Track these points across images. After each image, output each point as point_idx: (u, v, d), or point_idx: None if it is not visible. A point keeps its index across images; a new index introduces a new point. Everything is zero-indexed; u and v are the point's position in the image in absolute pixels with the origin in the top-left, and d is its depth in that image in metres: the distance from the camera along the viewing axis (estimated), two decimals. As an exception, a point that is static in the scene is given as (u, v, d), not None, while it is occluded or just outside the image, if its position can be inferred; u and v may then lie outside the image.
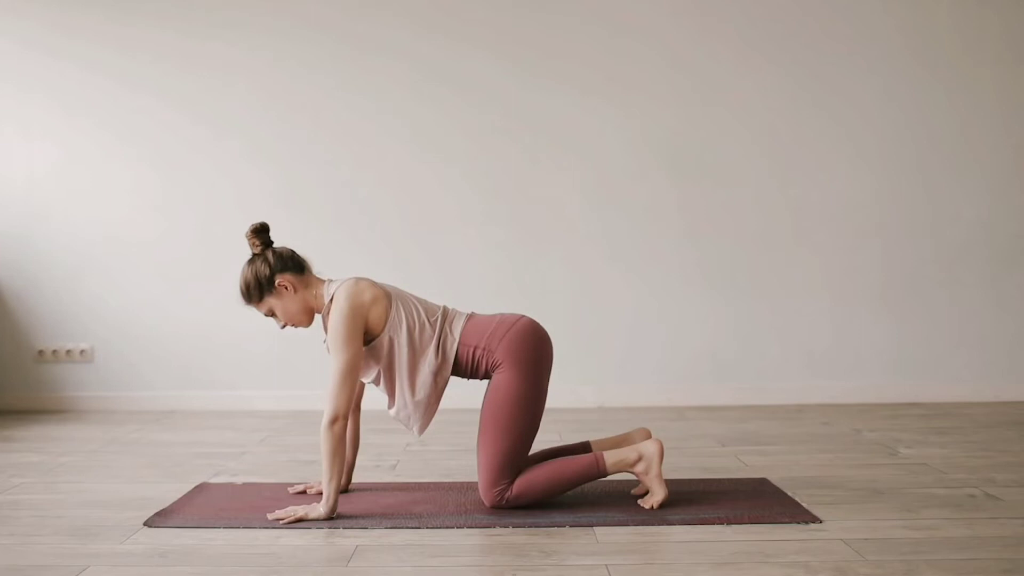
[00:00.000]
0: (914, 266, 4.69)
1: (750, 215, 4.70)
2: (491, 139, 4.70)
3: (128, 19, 4.68)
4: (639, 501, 2.73)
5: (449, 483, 3.04)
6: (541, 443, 3.73)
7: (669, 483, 2.82)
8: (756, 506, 2.69)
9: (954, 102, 4.68)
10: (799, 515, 2.60)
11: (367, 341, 2.70)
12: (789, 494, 2.83)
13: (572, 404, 4.56)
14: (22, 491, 3.01)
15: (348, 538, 2.46)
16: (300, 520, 2.59)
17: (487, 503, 2.68)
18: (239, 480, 3.14)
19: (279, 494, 2.90)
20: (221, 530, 2.54)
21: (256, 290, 2.81)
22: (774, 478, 3.05)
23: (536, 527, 2.54)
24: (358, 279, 2.74)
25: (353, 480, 2.99)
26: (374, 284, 2.73)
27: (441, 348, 2.72)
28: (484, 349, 2.71)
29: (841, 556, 2.26)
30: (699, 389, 4.63)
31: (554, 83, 4.69)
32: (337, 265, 4.69)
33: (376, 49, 4.68)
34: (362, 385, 2.88)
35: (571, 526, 2.54)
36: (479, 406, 2.78)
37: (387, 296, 2.72)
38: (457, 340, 2.73)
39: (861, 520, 2.56)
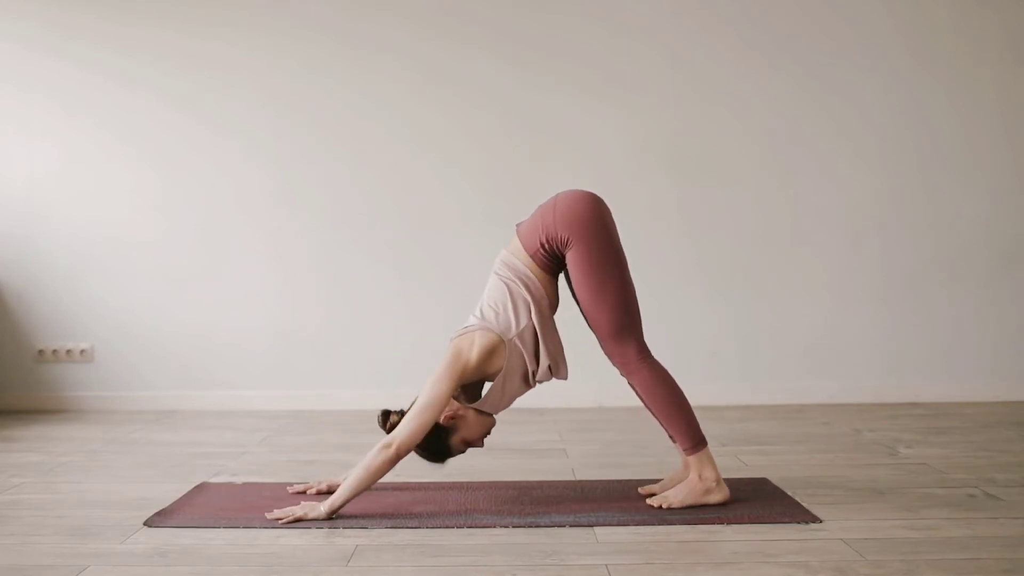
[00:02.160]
0: (914, 266, 4.69)
1: (750, 215, 4.70)
2: (491, 139, 4.70)
3: (128, 19, 4.68)
4: (648, 500, 2.74)
5: (449, 483, 3.03)
6: (544, 442, 3.75)
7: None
8: (756, 506, 2.69)
9: (954, 102, 4.68)
10: (799, 515, 2.60)
11: (497, 371, 2.68)
12: (789, 494, 2.83)
13: (572, 404, 4.56)
14: (22, 491, 3.01)
15: (348, 538, 2.46)
16: (299, 520, 2.59)
17: (623, 360, 2.70)
18: (239, 480, 3.14)
19: (279, 494, 2.90)
20: (221, 530, 2.54)
21: (443, 451, 2.75)
22: (774, 478, 3.05)
23: (536, 527, 2.54)
24: (460, 336, 2.70)
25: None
26: (471, 332, 2.68)
27: (530, 284, 2.70)
28: (548, 237, 2.69)
29: (841, 556, 2.26)
30: (699, 389, 4.62)
31: (554, 83, 4.69)
32: (337, 265, 4.71)
33: (376, 49, 4.68)
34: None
35: (571, 526, 2.54)
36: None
37: (478, 328, 2.68)
38: (526, 261, 2.71)
39: (861, 520, 2.56)
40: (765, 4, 4.69)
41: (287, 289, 4.72)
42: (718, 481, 2.70)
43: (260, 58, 4.70)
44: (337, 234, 4.71)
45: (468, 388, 2.78)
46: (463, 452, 2.79)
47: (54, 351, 4.72)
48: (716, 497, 2.69)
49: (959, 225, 4.69)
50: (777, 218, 4.70)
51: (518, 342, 2.68)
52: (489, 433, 2.79)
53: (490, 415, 2.76)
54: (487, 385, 2.81)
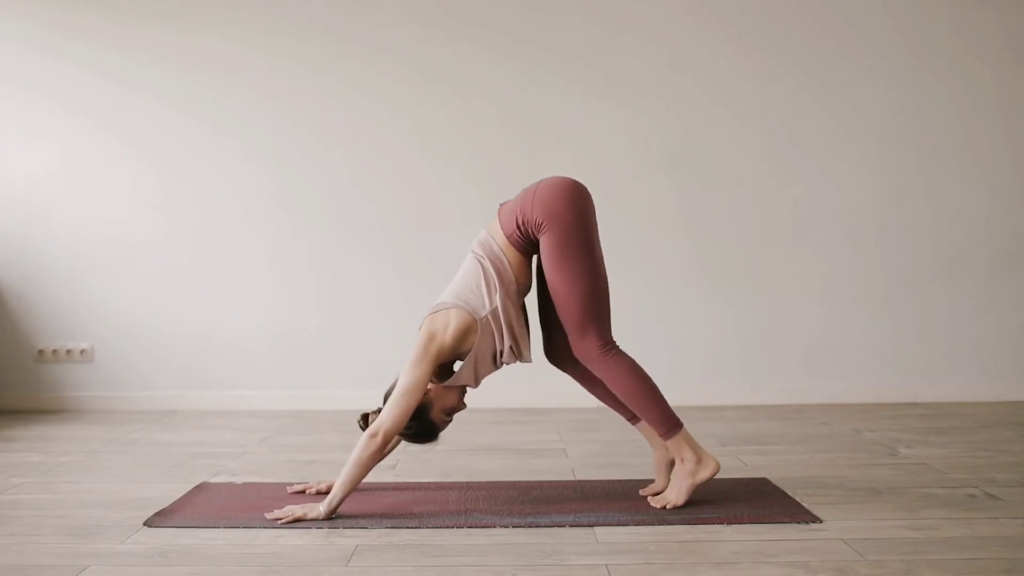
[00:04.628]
0: (914, 266, 4.69)
1: (750, 215, 4.70)
2: (492, 139, 4.70)
3: (128, 19, 4.68)
4: (649, 499, 2.74)
5: (449, 483, 3.04)
6: (544, 442, 3.75)
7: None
8: (756, 506, 2.69)
9: (954, 102, 4.68)
10: (799, 515, 2.60)
11: (469, 349, 2.68)
12: (789, 494, 2.83)
13: (572, 404, 4.55)
14: (22, 491, 3.01)
15: (348, 538, 2.46)
16: (299, 520, 2.59)
17: (583, 354, 2.69)
18: (239, 480, 3.14)
19: (279, 494, 2.90)
20: (221, 530, 2.54)
21: (430, 428, 2.78)
22: (774, 478, 3.05)
23: (536, 527, 2.54)
24: (433, 314, 2.71)
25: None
26: (445, 311, 2.70)
27: (500, 267, 2.70)
28: (524, 220, 2.70)
29: (841, 556, 2.27)
30: (699, 389, 4.63)
31: (554, 82, 4.69)
32: (337, 265, 4.71)
33: (376, 48, 4.68)
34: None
35: (571, 526, 2.54)
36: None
37: (452, 306, 2.69)
38: (502, 242, 2.72)
39: (861, 520, 2.56)
40: (765, 4, 4.69)
41: (287, 289, 4.72)
42: (699, 459, 2.69)
43: (260, 58, 4.70)
44: (337, 234, 4.71)
45: (439, 366, 2.78)
46: (449, 421, 2.81)
47: (54, 351, 4.72)
48: (705, 472, 2.68)
49: (959, 225, 4.69)
50: (777, 218, 4.70)
51: (490, 320, 2.68)
52: (465, 393, 2.80)
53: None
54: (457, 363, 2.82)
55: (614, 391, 2.72)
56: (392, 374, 4.59)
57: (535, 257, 2.80)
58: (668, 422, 2.70)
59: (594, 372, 2.73)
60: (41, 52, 4.69)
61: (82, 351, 4.72)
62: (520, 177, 4.66)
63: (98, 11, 4.69)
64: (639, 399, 2.69)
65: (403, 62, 4.69)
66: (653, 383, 2.72)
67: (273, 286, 4.72)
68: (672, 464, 2.79)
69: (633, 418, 2.87)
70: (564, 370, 2.91)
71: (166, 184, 4.72)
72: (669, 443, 2.70)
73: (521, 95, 4.69)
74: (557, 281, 2.67)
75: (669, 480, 2.79)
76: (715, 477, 2.95)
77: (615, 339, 2.73)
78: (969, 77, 4.68)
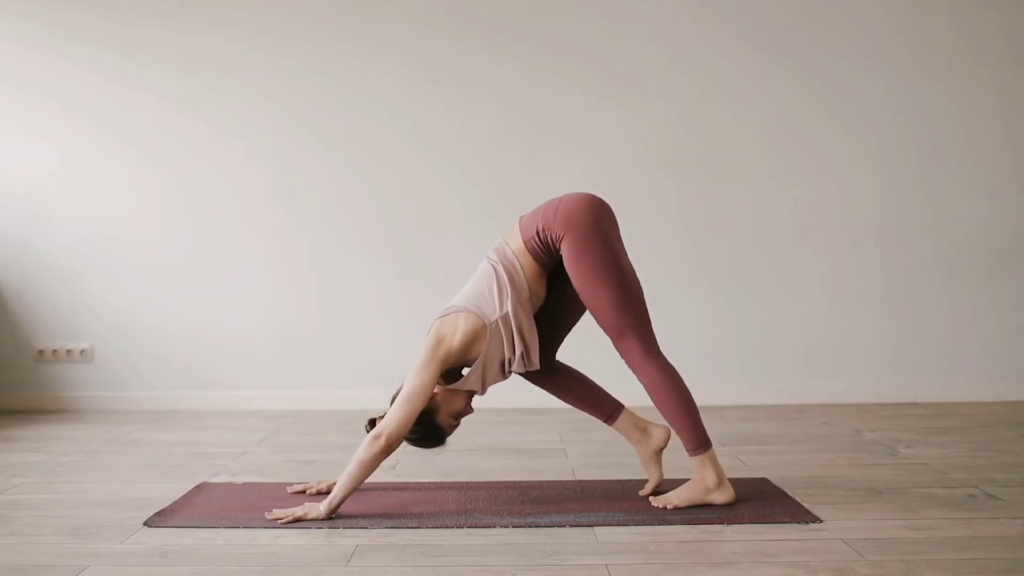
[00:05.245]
0: (914, 266, 4.69)
1: (750, 215, 4.70)
2: (492, 138, 4.70)
3: (128, 19, 4.68)
4: (651, 499, 2.75)
5: (449, 483, 3.04)
6: (544, 442, 3.75)
7: (670, 483, 2.85)
8: (756, 506, 2.69)
9: (954, 102, 4.68)
10: (799, 515, 2.60)
11: (477, 355, 2.68)
12: (789, 494, 2.83)
13: (572, 404, 4.56)
14: (22, 491, 3.01)
15: (348, 538, 2.46)
16: (299, 520, 2.59)
17: (627, 358, 2.71)
18: (239, 480, 3.14)
19: (279, 494, 2.90)
20: (221, 530, 2.54)
21: (437, 432, 2.78)
22: (774, 478, 3.05)
23: (536, 527, 2.54)
24: (443, 318, 2.71)
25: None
26: (455, 314, 2.69)
27: (514, 273, 2.70)
28: (544, 227, 2.70)
29: (841, 556, 2.26)
30: (699, 389, 4.60)
31: (555, 82, 4.69)
32: (337, 265, 4.71)
33: (376, 48, 4.69)
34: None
35: (571, 526, 2.54)
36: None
37: (462, 310, 2.69)
38: (518, 249, 2.73)
39: (861, 520, 2.56)
40: (765, 4, 4.69)
41: (287, 289, 4.72)
42: (719, 483, 2.69)
43: (260, 58, 4.70)
44: (337, 234, 4.71)
45: (447, 371, 2.77)
46: (457, 425, 2.81)
47: (54, 351, 4.72)
48: (720, 497, 2.68)
49: (959, 225, 4.69)
50: (777, 218, 4.70)
51: (500, 326, 2.67)
52: (473, 397, 2.79)
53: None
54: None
55: (651, 398, 2.73)
56: (392, 374, 4.60)
57: (551, 270, 2.79)
58: (699, 438, 2.70)
59: (637, 377, 2.73)
60: (41, 52, 4.69)
61: (82, 351, 4.72)
62: (520, 177, 4.69)
63: (98, 11, 4.69)
64: (674, 410, 2.70)
65: (403, 62, 4.69)
66: (691, 397, 2.73)
67: (273, 286, 4.72)
68: (657, 454, 2.84)
69: (608, 419, 2.89)
70: (532, 381, 2.92)
71: (166, 184, 4.72)
72: (695, 460, 2.70)
73: (521, 95, 4.70)
74: (583, 286, 2.67)
75: (661, 471, 2.84)
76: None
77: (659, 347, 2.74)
78: (969, 77, 4.68)
